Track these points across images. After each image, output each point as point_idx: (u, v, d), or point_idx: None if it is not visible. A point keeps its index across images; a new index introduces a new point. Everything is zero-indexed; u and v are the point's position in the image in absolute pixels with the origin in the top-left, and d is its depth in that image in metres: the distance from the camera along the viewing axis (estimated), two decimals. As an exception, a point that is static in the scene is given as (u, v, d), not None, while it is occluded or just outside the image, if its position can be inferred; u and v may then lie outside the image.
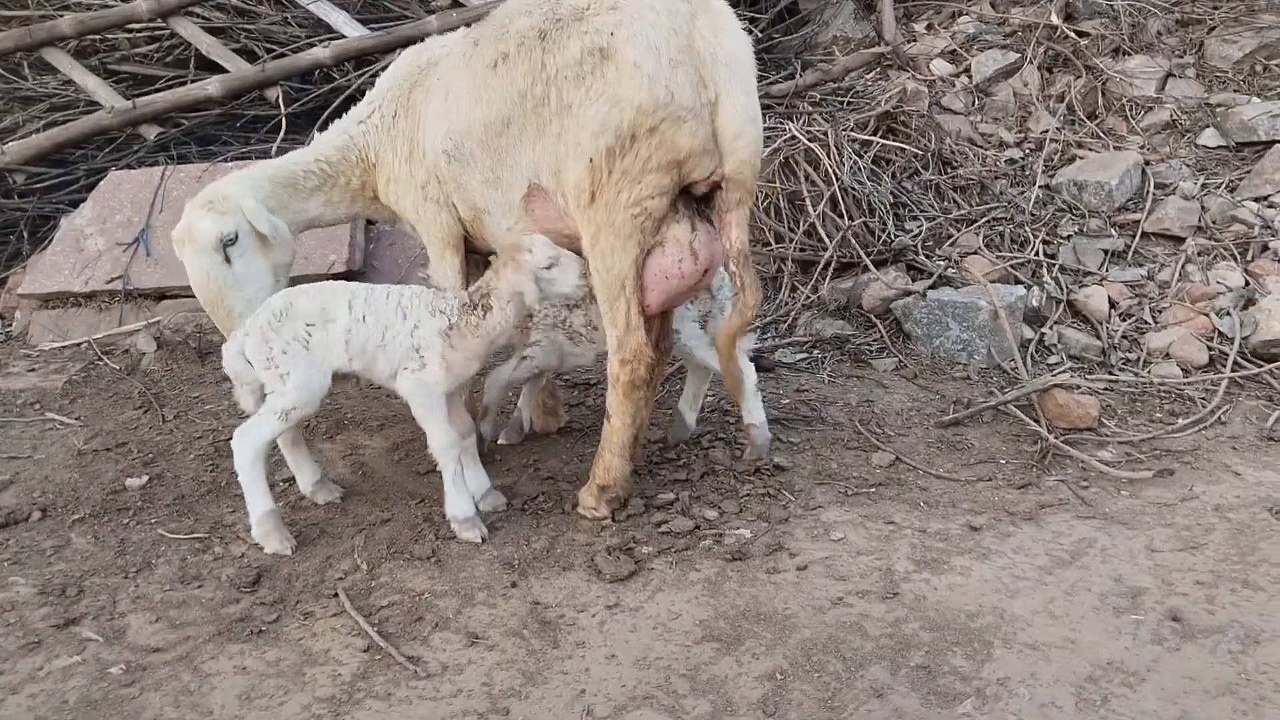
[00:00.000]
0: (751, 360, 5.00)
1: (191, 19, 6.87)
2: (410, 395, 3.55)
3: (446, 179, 3.73)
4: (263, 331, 3.48)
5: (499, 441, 4.37)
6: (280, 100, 6.53)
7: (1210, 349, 5.09)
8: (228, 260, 3.75)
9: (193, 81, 6.81)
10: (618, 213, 3.35)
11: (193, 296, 4.63)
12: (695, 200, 3.54)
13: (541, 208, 3.55)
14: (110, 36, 7.32)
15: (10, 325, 6.02)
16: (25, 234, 6.57)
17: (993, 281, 5.39)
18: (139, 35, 7.41)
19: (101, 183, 6.10)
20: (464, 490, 3.65)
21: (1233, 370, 4.88)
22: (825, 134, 6.30)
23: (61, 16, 6.75)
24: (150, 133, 6.57)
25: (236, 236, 3.73)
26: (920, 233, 6.00)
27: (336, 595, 3.37)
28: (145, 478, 4.15)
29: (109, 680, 2.99)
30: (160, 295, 5.60)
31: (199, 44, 6.75)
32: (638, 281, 3.49)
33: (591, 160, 3.30)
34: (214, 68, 6.82)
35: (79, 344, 5.53)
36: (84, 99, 6.92)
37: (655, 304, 3.59)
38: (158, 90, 6.83)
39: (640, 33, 3.22)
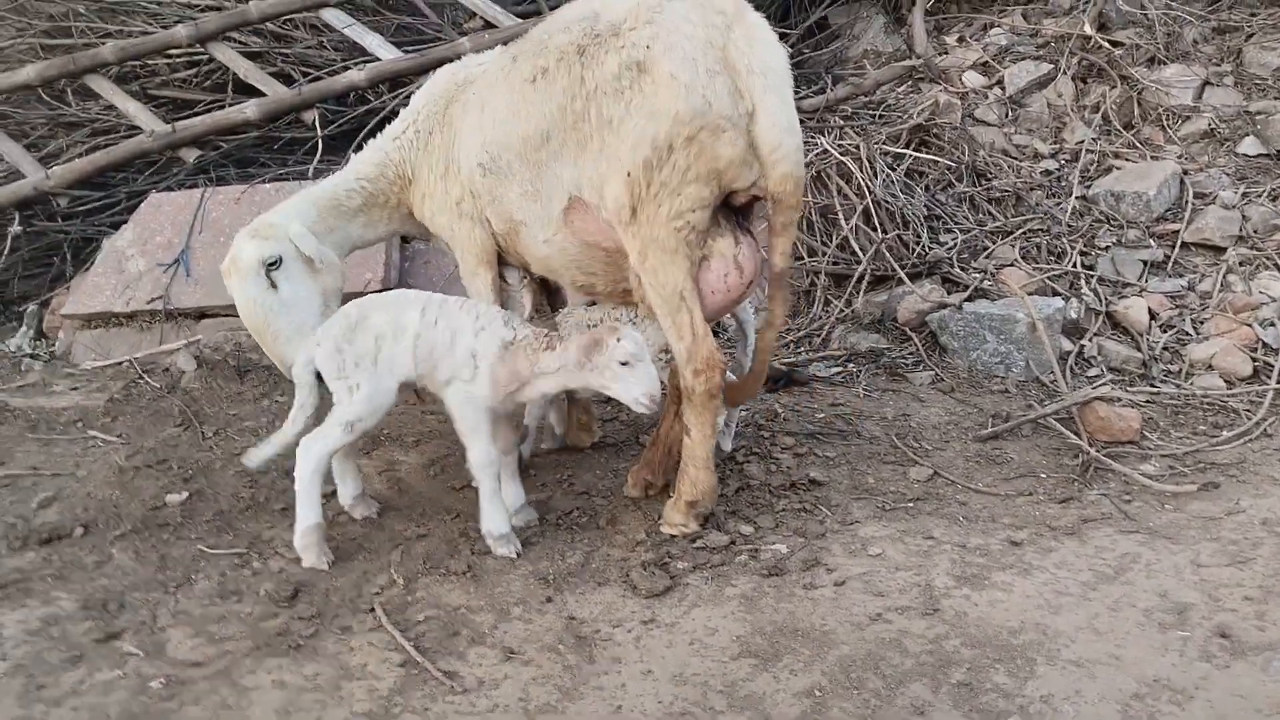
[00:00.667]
0: (786, 373, 5.00)
1: (229, 44, 6.97)
2: (457, 408, 3.57)
3: (481, 193, 3.75)
4: (335, 342, 3.52)
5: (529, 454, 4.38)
6: (316, 122, 6.60)
7: (1254, 360, 5.00)
8: (273, 285, 3.78)
9: (231, 105, 6.91)
10: (660, 227, 3.33)
11: (232, 315, 4.70)
12: (735, 212, 3.53)
13: (582, 221, 3.55)
14: (150, 62, 7.45)
15: (54, 345, 6.12)
16: (68, 256, 6.68)
17: (1030, 294, 5.34)
18: (178, 60, 7.52)
19: (142, 205, 6.20)
20: (500, 507, 3.66)
21: (1277, 382, 4.78)
22: (857, 147, 6.28)
23: (104, 44, 6.88)
24: (189, 155, 6.67)
25: (280, 260, 3.76)
26: (955, 245, 5.95)
27: (373, 610, 3.37)
28: (185, 494, 4.19)
29: (149, 694, 3.01)
30: (200, 315, 5.68)
31: (236, 68, 6.84)
32: (696, 290, 3.45)
33: (629, 174, 3.29)
34: (251, 91, 6.91)
35: (120, 363, 5.60)
36: (125, 123, 7.04)
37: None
38: (196, 114, 6.92)
39: (676, 45, 3.22)
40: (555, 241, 3.64)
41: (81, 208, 6.77)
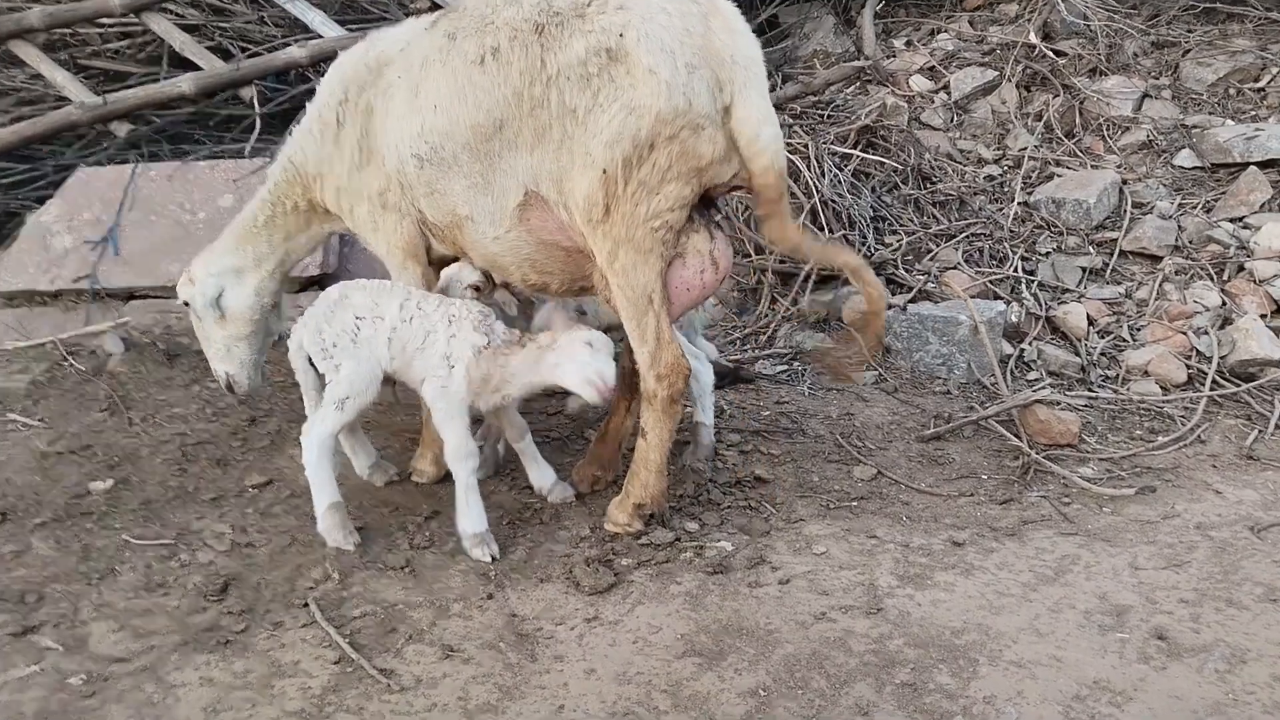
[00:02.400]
0: (731, 370, 4.98)
1: (165, 15, 6.73)
2: (433, 401, 3.51)
3: (414, 184, 3.51)
4: (317, 323, 3.52)
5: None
6: (255, 99, 6.41)
7: (1189, 367, 5.10)
8: (197, 317, 4.11)
9: (165, 79, 6.67)
10: (636, 227, 3.18)
11: (161, 297, 4.55)
12: (704, 205, 3.43)
13: (539, 218, 3.38)
14: (81, 31, 7.16)
15: (-29, 323, 5.85)
16: (-11, 230, 6.40)
17: (972, 297, 5.39)
18: (110, 30, 7.24)
19: (70, 179, 5.95)
20: (476, 503, 3.54)
21: (1211, 389, 4.90)
22: (806, 146, 6.29)
23: (30, 9, 6.59)
24: (121, 130, 6.42)
25: (188, 304, 4.07)
26: (900, 247, 5.99)
27: (307, 605, 3.27)
28: (110, 482, 4.02)
29: (69, 691, 2.87)
30: (129, 295, 5.46)
31: (172, 40, 6.61)
32: (664, 294, 3.33)
33: (606, 172, 3.12)
34: (187, 65, 6.68)
35: (44, 344, 5.35)
36: (52, 94, 6.75)
37: (674, 317, 3.46)
38: (129, 87, 6.67)
39: (653, 34, 3.05)
40: (507, 239, 3.44)
41: (4, 180, 6.49)
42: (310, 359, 3.58)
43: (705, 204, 3.44)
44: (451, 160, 3.36)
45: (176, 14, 6.95)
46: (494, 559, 3.51)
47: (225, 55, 6.81)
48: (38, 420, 4.56)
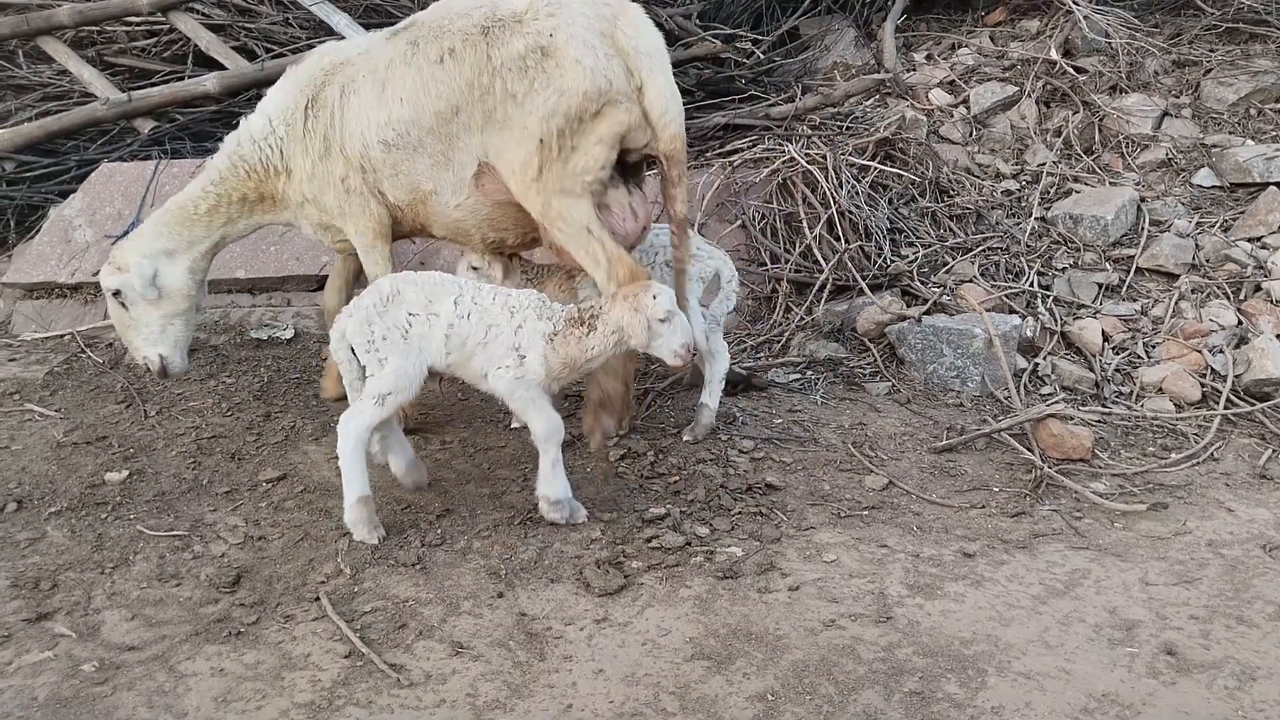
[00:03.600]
0: (745, 377, 4.99)
1: (192, 14, 6.82)
2: (509, 392, 3.58)
3: (379, 167, 3.99)
4: (366, 315, 3.52)
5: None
6: (278, 100, 6.48)
7: (1203, 385, 5.08)
8: (124, 307, 4.24)
9: (190, 77, 6.76)
10: (568, 179, 3.83)
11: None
12: (626, 171, 4.07)
13: (492, 183, 3.98)
14: (108, 28, 7.26)
15: (-8, 314, 5.92)
16: (12, 222, 6.48)
17: (987, 310, 5.38)
18: (137, 29, 7.34)
19: (93, 174, 6.03)
20: (563, 475, 3.70)
21: (1225, 407, 4.88)
22: (824, 157, 6.29)
23: (59, 6, 6.67)
24: (144, 126, 6.50)
25: (120, 291, 4.18)
26: (916, 259, 5.99)
27: (318, 599, 3.29)
28: (125, 473, 4.06)
29: (81, 678, 2.90)
30: (147, 290, 5.51)
31: (198, 40, 6.69)
32: (600, 222, 3.91)
33: (542, 140, 3.78)
34: (212, 64, 6.77)
35: (62, 336, 5.43)
36: (79, 90, 6.85)
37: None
38: (154, 84, 6.76)
39: (577, 35, 3.77)
40: (467, 205, 4.03)
41: (28, 173, 6.57)
42: (353, 349, 3.57)
43: (629, 173, 4.09)
44: (417, 143, 3.94)
45: (203, 14, 7.04)
46: (566, 523, 3.71)
47: (250, 56, 6.88)
48: (55, 410, 4.61)
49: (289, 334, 5.38)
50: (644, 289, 3.53)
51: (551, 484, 3.67)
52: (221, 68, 6.59)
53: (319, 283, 5.41)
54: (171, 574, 3.43)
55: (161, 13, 6.65)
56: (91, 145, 6.76)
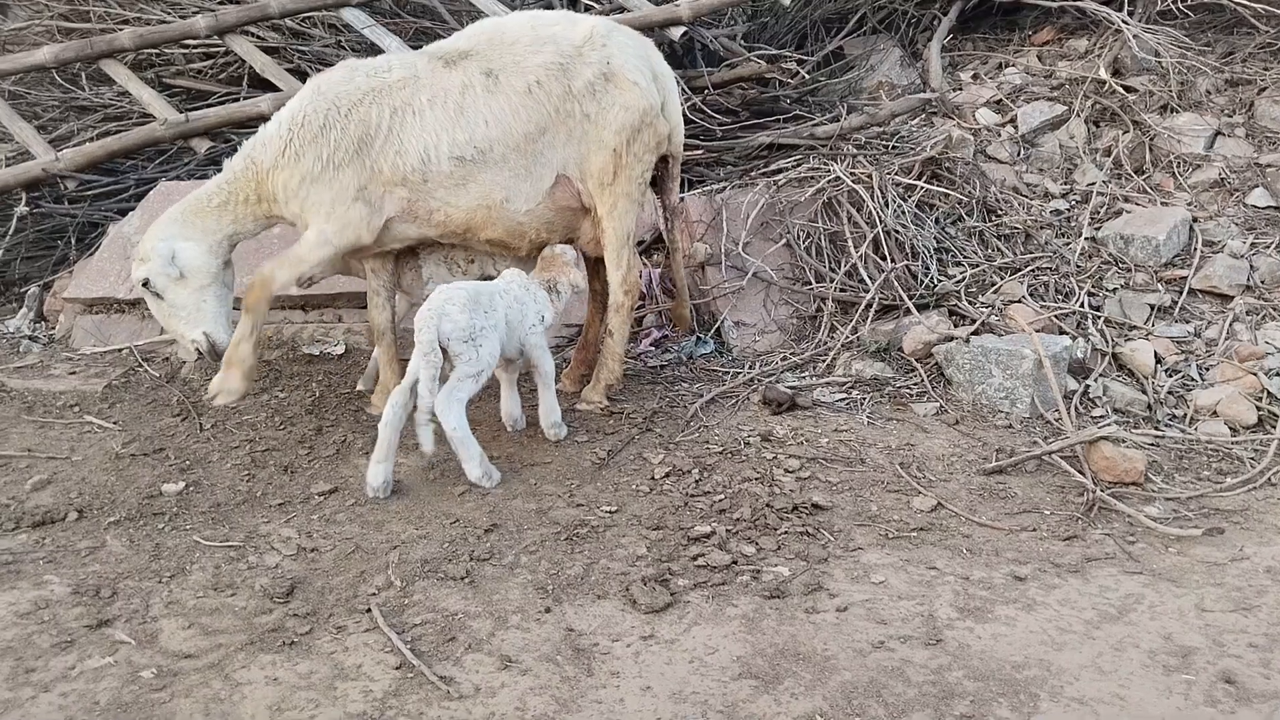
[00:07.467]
0: (790, 396, 4.98)
1: (247, 38, 6.96)
2: (536, 344, 4.46)
3: (442, 179, 4.43)
4: (470, 314, 4.08)
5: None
6: (330, 120, 6.59)
7: (1259, 409, 4.99)
8: (159, 295, 4.46)
9: (245, 99, 6.89)
10: (631, 184, 4.66)
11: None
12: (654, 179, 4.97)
13: (562, 192, 4.66)
14: (166, 51, 7.44)
15: (54, 328, 6.07)
16: (73, 240, 6.64)
17: (1036, 331, 5.33)
18: (194, 51, 7.51)
19: (151, 193, 6.17)
20: (556, 401, 4.59)
21: (1282, 431, 4.78)
22: (869, 176, 6.28)
23: (122, 30, 6.85)
24: (201, 146, 6.64)
25: (149, 280, 4.41)
26: (963, 279, 5.95)
27: (369, 611, 3.33)
28: (182, 484, 4.14)
29: (140, 684, 2.96)
30: (203, 305, 5.62)
31: (253, 62, 6.83)
32: (635, 235, 4.86)
33: (615, 150, 4.59)
34: (267, 86, 6.90)
35: (120, 350, 5.56)
36: (138, 111, 7.01)
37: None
38: (210, 105, 6.91)
39: (629, 61, 4.62)
40: (536, 211, 4.64)
41: (89, 192, 6.74)
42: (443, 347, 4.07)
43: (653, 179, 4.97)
44: (500, 159, 4.51)
45: (258, 36, 7.18)
46: (562, 438, 4.56)
47: (303, 78, 6.98)
48: (113, 423, 4.72)
49: (340, 350, 5.47)
50: (562, 253, 4.65)
51: (553, 411, 4.56)
52: (276, 89, 6.72)
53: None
54: (227, 584, 3.50)
55: (218, 36, 6.80)
56: (150, 164, 6.93)
